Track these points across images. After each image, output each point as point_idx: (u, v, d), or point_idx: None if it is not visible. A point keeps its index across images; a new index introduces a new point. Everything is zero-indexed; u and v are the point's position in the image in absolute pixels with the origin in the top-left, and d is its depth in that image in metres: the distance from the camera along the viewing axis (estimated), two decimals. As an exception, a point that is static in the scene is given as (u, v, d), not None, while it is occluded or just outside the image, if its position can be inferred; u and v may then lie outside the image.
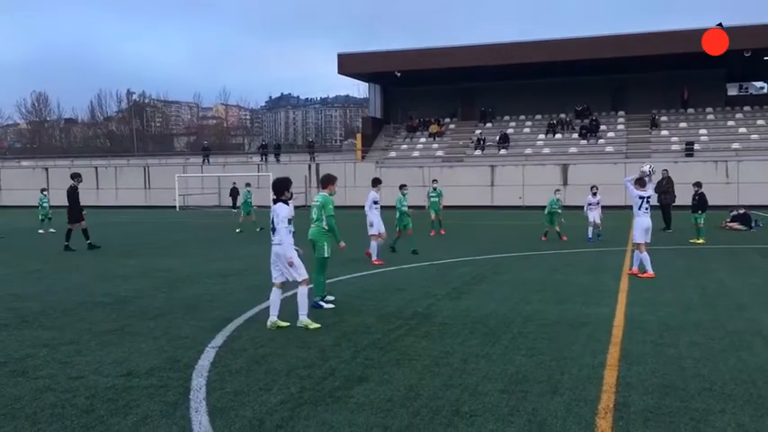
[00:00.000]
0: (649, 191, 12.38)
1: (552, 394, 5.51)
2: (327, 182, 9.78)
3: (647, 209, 12.23)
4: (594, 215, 18.92)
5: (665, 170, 23.85)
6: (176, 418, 5.05)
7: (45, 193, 26.55)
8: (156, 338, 7.59)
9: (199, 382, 5.92)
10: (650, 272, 11.86)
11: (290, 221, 8.23)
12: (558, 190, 20.88)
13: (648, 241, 12.27)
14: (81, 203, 18.12)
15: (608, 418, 4.95)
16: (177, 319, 8.64)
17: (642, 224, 12.16)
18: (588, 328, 7.92)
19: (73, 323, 8.49)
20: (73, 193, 17.88)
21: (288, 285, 8.35)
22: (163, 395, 5.57)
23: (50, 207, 25.71)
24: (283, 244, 8.12)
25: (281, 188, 8.30)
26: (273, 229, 8.21)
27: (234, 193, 39.05)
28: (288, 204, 8.33)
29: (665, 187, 22.79)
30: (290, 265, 8.11)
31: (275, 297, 8.17)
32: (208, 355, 6.81)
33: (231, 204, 38.67)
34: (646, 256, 11.99)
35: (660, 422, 4.89)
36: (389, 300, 9.92)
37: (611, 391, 5.56)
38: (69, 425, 4.90)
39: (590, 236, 18.87)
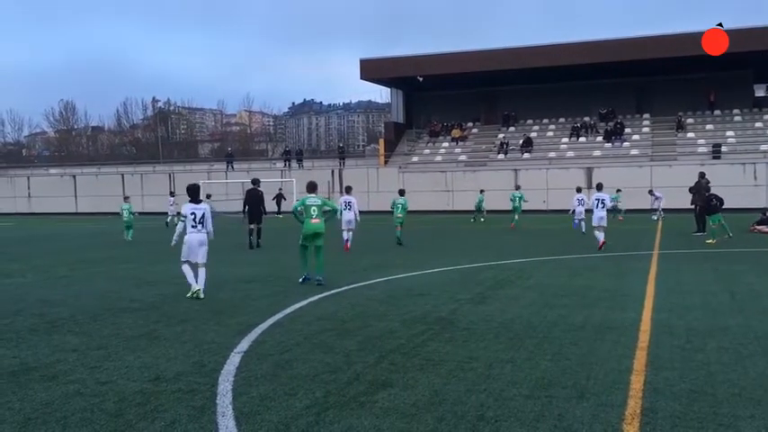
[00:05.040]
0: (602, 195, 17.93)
1: (578, 399, 5.47)
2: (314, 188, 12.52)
3: (603, 206, 17.72)
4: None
5: (702, 173, 23.72)
6: (203, 422, 5.10)
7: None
8: (182, 343, 7.68)
9: (225, 386, 5.98)
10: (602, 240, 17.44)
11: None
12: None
13: (605, 226, 17.86)
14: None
15: (635, 424, 4.91)
16: (203, 325, 8.73)
17: (597, 214, 17.72)
18: (614, 333, 7.86)
19: (101, 328, 8.61)
20: (258, 196, 20.12)
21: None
22: (190, 400, 5.63)
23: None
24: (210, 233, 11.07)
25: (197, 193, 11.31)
26: (202, 222, 10.84)
27: (279, 198, 39.91)
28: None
29: (696, 188, 22.74)
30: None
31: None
32: (233, 360, 6.87)
33: (276, 210, 39.49)
34: (599, 234, 17.56)
35: (688, 428, 4.84)
36: (414, 305, 9.92)
37: (637, 397, 5.51)
38: (98, 429, 4.97)
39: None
